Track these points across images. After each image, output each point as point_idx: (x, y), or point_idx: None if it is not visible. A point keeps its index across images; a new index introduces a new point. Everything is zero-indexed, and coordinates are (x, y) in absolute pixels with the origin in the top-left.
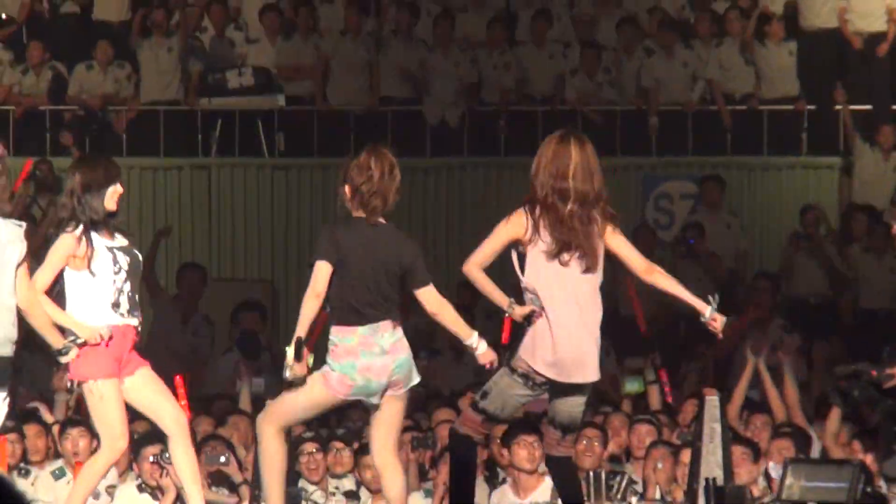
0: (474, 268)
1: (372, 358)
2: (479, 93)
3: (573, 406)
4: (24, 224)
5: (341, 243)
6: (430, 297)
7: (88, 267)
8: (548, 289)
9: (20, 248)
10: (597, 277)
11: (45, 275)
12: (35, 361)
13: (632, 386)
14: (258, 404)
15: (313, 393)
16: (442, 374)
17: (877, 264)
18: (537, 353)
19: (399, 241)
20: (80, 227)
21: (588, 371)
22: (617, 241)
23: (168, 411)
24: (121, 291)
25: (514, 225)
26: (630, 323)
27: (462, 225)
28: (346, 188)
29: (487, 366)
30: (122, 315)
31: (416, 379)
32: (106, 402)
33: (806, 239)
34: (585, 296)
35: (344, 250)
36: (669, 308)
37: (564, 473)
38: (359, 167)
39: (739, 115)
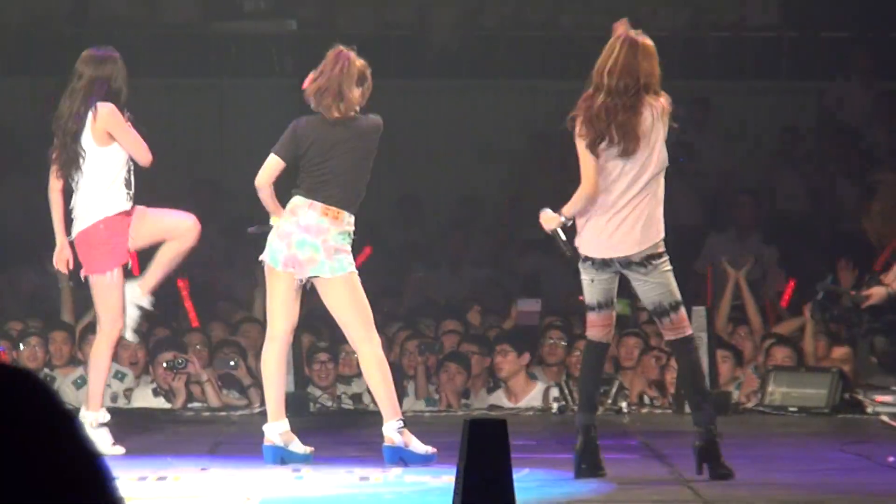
0: None
1: (287, 224)
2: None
3: (637, 287)
4: None
5: (301, 139)
6: None
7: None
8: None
9: None
10: (638, 160)
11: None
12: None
13: (619, 307)
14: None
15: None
16: (436, 286)
17: (851, 187)
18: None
19: (361, 130)
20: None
21: (619, 246)
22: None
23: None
24: (130, 170)
25: None
26: None
27: (463, 147)
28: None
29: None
30: (130, 198)
31: (325, 274)
32: (115, 288)
33: (785, 157)
34: (625, 179)
35: (304, 145)
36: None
37: (676, 355)
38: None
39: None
